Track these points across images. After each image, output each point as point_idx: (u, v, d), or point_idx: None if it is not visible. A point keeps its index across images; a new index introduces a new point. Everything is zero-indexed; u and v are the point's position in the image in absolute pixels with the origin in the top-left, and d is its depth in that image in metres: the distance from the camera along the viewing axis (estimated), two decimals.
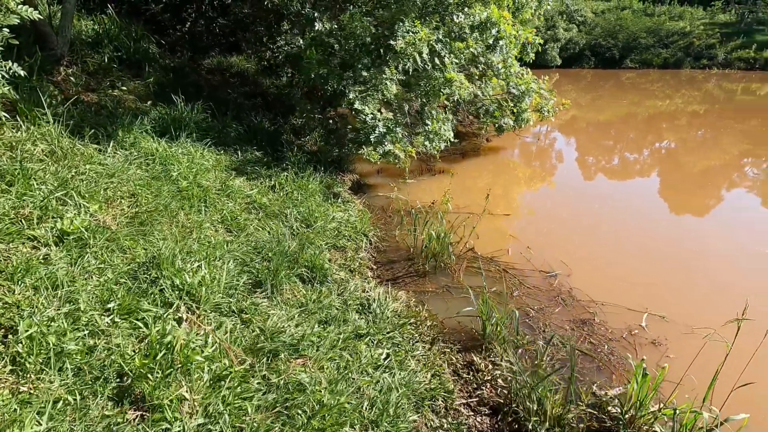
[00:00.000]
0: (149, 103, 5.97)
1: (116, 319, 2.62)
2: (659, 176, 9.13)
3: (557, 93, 9.60)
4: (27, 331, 2.25)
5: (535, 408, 2.83)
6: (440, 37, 6.39)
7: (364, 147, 6.34)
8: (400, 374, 2.99)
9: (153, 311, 2.78)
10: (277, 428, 2.37)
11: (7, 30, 3.06)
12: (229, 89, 8.09)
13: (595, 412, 2.94)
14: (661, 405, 2.79)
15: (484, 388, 3.19)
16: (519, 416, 2.88)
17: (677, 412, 2.61)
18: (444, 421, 2.87)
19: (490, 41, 7.08)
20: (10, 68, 3.11)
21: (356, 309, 3.70)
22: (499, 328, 3.61)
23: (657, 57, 27.64)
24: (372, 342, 3.32)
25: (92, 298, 2.67)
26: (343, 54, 6.52)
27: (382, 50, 6.46)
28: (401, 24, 6.01)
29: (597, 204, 7.46)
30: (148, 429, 2.14)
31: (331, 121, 7.46)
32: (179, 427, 2.18)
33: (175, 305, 2.91)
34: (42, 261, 2.76)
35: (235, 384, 2.50)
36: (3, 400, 1.98)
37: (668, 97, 18.96)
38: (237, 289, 3.36)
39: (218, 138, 5.97)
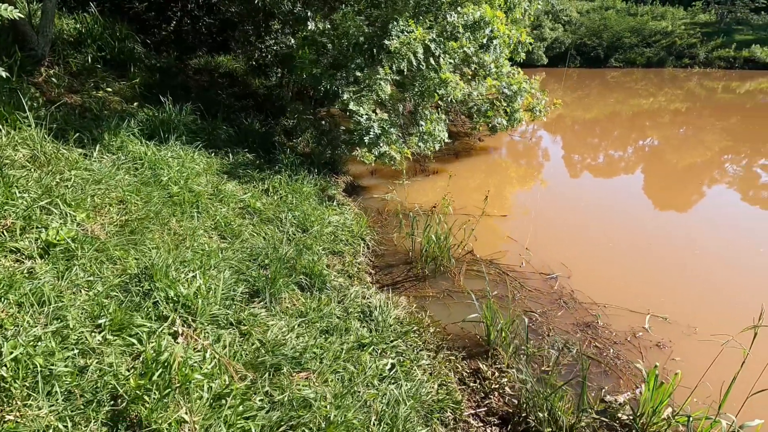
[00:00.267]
0: (136, 104, 5.76)
1: (108, 336, 2.47)
2: (646, 174, 9.21)
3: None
4: (12, 353, 2.09)
5: (547, 417, 2.75)
6: (434, 36, 6.30)
7: (358, 148, 6.22)
8: (406, 385, 2.89)
9: (147, 326, 2.63)
10: None
11: None
12: (218, 90, 7.90)
13: (606, 420, 2.87)
14: (675, 412, 2.73)
15: (492, 396, 3.11)
16: (530, 426, 2.81)
17: (691, 419, 2.56)
18: None
19: (484, 41, 7.01)
20: None
21: (357, 317, 3.59)
22: (504, 334, 3.53)
23: (641, 56, 28.07)
24: (376, 352, 3.21)
25: (81, 314, 2.52)
26: (335, 54, 6.39)
27: (375, 50, 6.35)
28: (395, 23, 5.90)
29: (588, 203, 7.47)
30: None
31: (324, 122, 7.32)
32: None
33: (170, 319, 2.76)
34: (26, 275, 2.59)
35: (237, 402, 2.37)
36: None
37: (652, 95, 19.24)
38: (234, 300, 3.23)
39: (208, 140, 5.80)
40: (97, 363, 2.28)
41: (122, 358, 2.39)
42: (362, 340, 3.25)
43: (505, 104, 8.32)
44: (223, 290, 3.19)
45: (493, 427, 2.88)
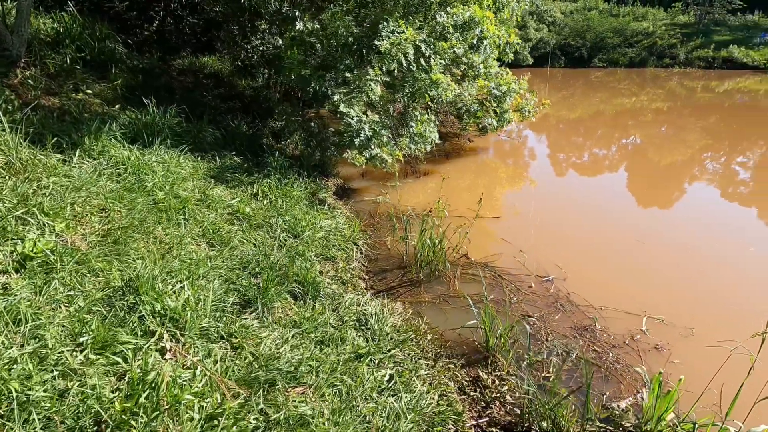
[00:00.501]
0: (117, 107, 5.56)
1: (90, 356, 2.32)
2: (631, 172, 9.28)
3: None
4: None
5: (551, 427, 2.68)
6: (424, 37, 6.23)
7: (348, 150, 6.11)
8: (406, 397, 2.80)
9: (132, 343, 2.48)
10: None
11: None
12: (204, 91, 7.70)
13: (611, 428, 2.82)
14: (680, 419, 2.69)
15: (493, 406, 3.03)
16: None
17: (697, 426, 2.51)
18: None
19: (474, 41, 6.96)
20: None
21: (353, 326, 3.48)
22: (503, 340, 3.46)
23: (623, 56, 28.52)
24: (373, 362, 3.11)
25: (61, 332, 2.36)
26: (324, 54, 6.27)
27: (364, 50, 6.24)
28: (385, 24, 5.80)
29: (577, 202, 7.47)
30: None
31: (312, 124, 7.19)
32: None
33: (157, 334, 2.62)
34: (0, 291, 2.43)
35: (230, 423, 2.24)
36: None
37: (634, 94, 19.52)
38: (224, 311, 3.09)
39: (194, 143, 5.62)
40: (78, 385, 2.13)
41: (106, 379, 2.25)
42: (359, 350, 3.15)
43: (495, 105, 8.29)
44: (212, 301, 3.06)
45: None
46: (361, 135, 5.81)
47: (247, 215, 4.59)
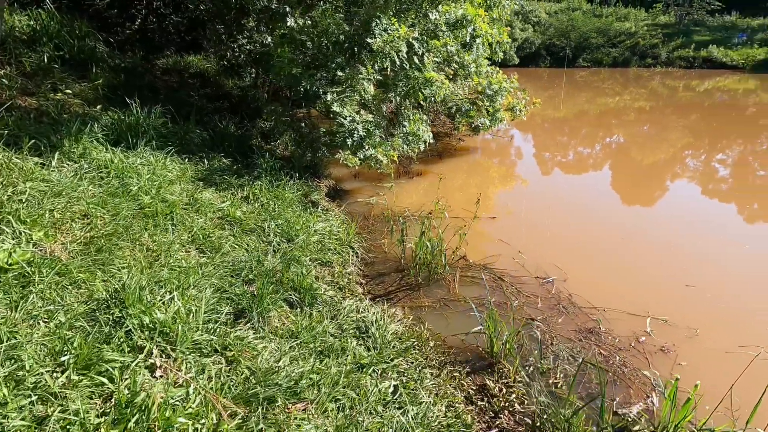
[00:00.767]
0: (99, 107, 5.31)
1: (73, 377, 2.12)
2: (618, 171, 9.32)
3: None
4: None
5: None
6: (417, 35, 6.10)
7: (341, 151, 5.95)
8: (413, 410, 2.66)
9: (119, 361, 2.30)
10: None
11: None
12: (189, 91, 7.46)
13: None
14: (698, 427, 2.60)
15: (502, 416, 2.91)
16: None
17: None
18: None
19: (467, 39, 6.86)
20: None
21: (353, 334, 3.33)
22: (509, 346, 3.35)
23: (607, 56, 28.92)
24: (376, 373, 2.96)
25: (40, 351, 2.17)
26: (314, 53, 6.10)
27: (356, 48, 6.09)
28: (378, 21, 5.66)
29: (568, 201, 7.42)
30: None
31: (303, 124, 7.01)
32: None
33: (146, 349, 2.44)
34: None
35: None
36: None
37: (618, 94, 19.76)
38: (218, 322, 2.91)
39: (181, 145, 5.40)
40: (60, 411, 1.95)
41: (91, 402, 2.06)
42: (361, 360, 3.00)
43: (487, 104, 8.22)
44: (204, 312, 2.88)
45: None
46: (355, 135, 5.66)
47: (238, 219, 4.41)
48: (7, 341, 2.10)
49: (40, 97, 5.01)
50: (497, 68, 9.02)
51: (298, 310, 3.48)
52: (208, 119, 6.70)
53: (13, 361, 2.05)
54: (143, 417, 1.98)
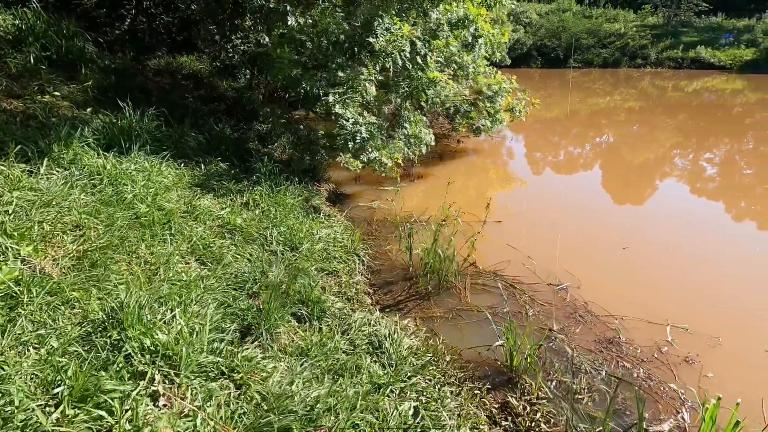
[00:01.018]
0: (89, 110, 5.05)
1: (68, 411, 1.91)
2: (610, 171, 9.25)
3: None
4: None
5: None
6: (419, 35, 5.93)
7: (341, 154, 5.76)
8: None
9: (119, 390, 2.08)
10: None
11: None
12: (183, 92, 7.21)
13: None
14: None
15: None
16: None
17: None
18: None
19: (469, 39, 6.72)
20: None
21: (366, 350, 3.15)
22: (531, 360, 3.18)
23: (597, 57, 29.08)
24: (394, 393, 2.78)
25: (31, 382, 1.95)
26: (314, 53, 5.90)
27: (356, 48, 5.90)
28: (380, 21, 5.48)
29: (570, 203, 7.30)
30: None
31: (301, 126, 6.80)
32: None
33: (147, 375, 2.22)
34: None
35: None
36: None
37: (608, 94, 19.82)
38: (223, 341, 2.70)
39: (176, 149, 5.16)
40: None
41: None
42: (377, 380, 2.81)
43: (488, 104, 8.08)
44: (209, 331, 2.67)
45: None
46: (357, 138, 5.47)
47: (239, 227, 4.19)
48: None
49: (26, 99, 4.74)
50: (495, 69, 8.90)
51: (307, 324, 3.29)
52: (203, 122, 6.46)
53: (0, 395, 1.83)
54: None
